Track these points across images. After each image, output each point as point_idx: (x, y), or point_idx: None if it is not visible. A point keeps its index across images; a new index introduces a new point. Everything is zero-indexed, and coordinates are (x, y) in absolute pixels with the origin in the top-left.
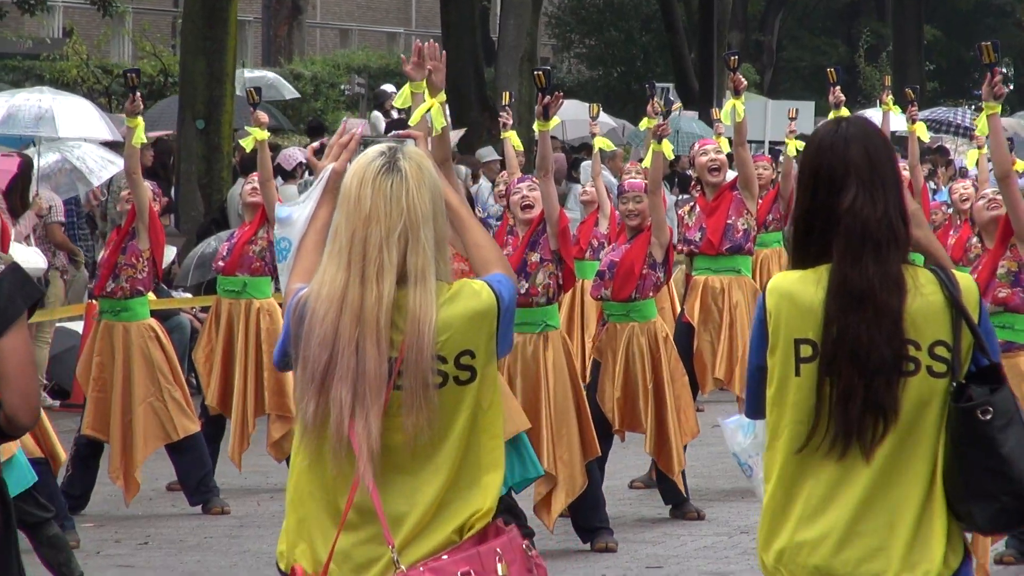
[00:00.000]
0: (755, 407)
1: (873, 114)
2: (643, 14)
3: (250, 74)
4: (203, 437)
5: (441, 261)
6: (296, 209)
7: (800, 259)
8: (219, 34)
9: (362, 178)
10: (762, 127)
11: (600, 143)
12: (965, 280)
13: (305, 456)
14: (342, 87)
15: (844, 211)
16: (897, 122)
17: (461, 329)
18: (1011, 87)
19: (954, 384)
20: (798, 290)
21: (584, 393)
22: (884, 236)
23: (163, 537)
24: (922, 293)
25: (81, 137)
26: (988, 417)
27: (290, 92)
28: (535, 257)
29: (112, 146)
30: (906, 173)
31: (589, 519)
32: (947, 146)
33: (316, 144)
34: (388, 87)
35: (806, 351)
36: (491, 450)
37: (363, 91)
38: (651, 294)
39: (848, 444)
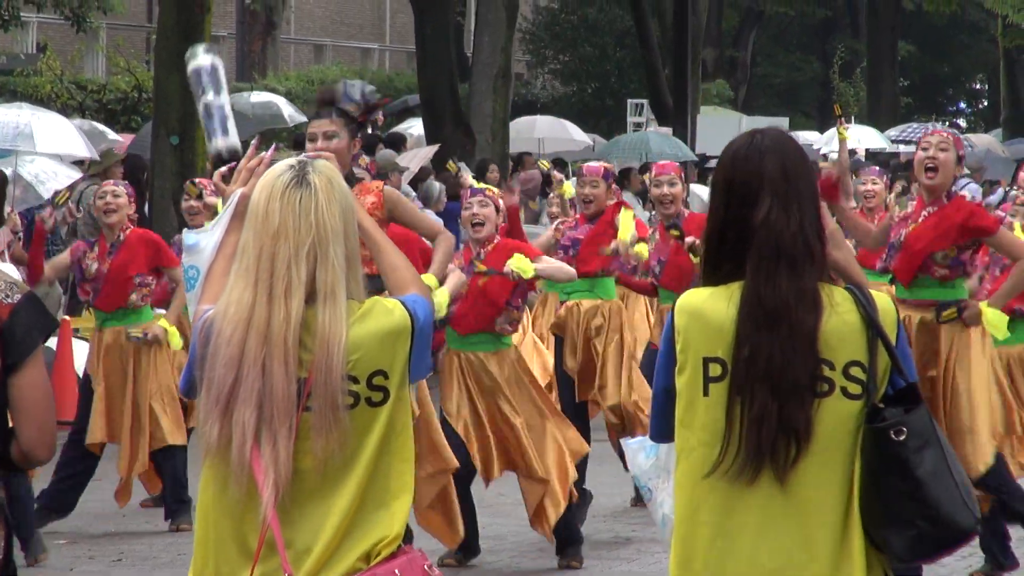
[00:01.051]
0: (660, 430)
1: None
2: (617, 30)
3: (256, 98)
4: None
5: (352, 279)
6: (204, 236)
7: (711, 275)
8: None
9: (270, 192)
10: None
11: (566, 190)
12: (882, 300)
13: (211, 482)
14: None
15: (758, 225)
16: (872, 139)
17: (373, 348)
18: (984, 104)
19: (870, 406)
20: (708, 307)
21: (549, 397)
22: (799, 251)
23: (136, 554)
24: (838, 312)
25: (58, 154)
26: (902, 438)
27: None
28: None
29: (79, 163)
30: (875, 187)
31: (560, 533)
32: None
33: (224, 169)
34: None
35: (715, 370)
36: (401, 474)
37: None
38: (616, 273)
39: (760, 468)
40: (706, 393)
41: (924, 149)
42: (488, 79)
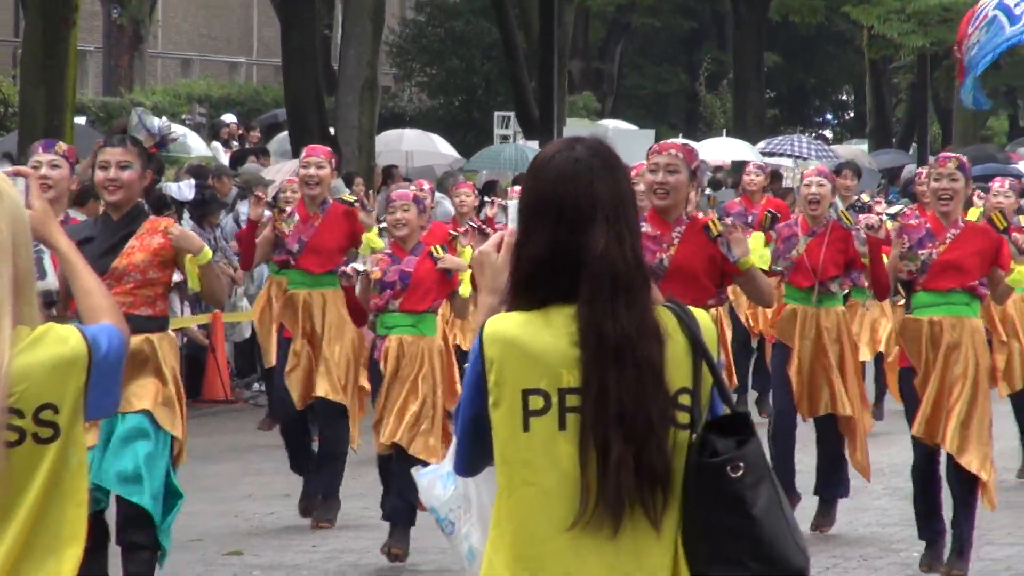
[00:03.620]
0: (464, 464)
1: (717, 143)
2: (484, 43)
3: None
4: None
5: (24, 302)
6: None
7: (524, 300)
8: (59, 64)
9: None
10: None
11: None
12: (702, 316)
13: None
14: (183, 116)
15: (593, 253)
16: (740, 151)
17: (41, 380)
18: (851, 115)
19: (697, 436)
20: (524, 336)
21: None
22: (636, 281)
23: None
24: (672, 337)
25: None
26: (739, 474)
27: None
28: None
29: None
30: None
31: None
32: (783, 172)
33: None
34: (228, 117)
35: (536, 403)
36: (74, 520)
37: (204, 120)
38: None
39: (619, 517)
40: (526, 428)
41: (820, 185)
42: (355, 91)
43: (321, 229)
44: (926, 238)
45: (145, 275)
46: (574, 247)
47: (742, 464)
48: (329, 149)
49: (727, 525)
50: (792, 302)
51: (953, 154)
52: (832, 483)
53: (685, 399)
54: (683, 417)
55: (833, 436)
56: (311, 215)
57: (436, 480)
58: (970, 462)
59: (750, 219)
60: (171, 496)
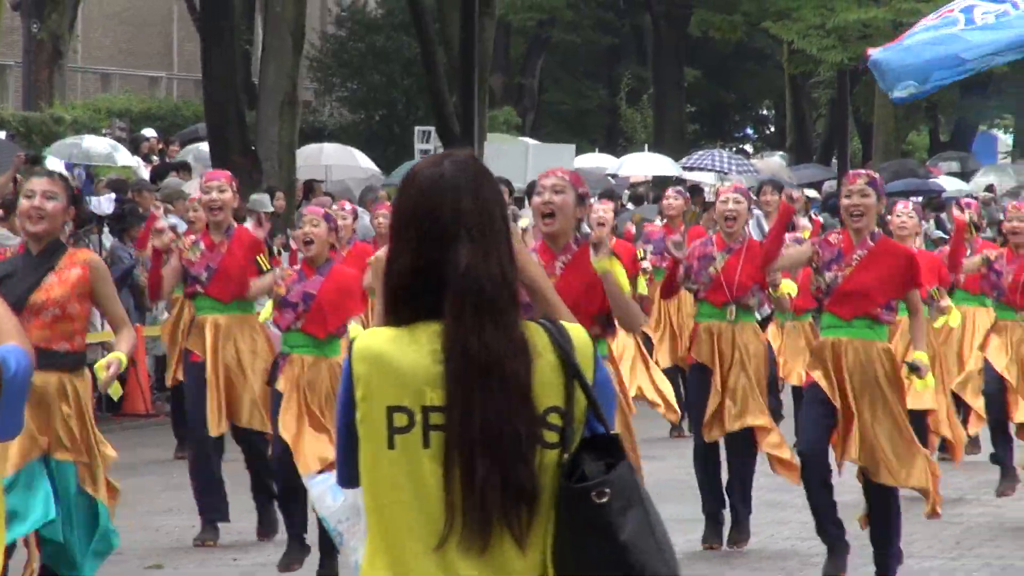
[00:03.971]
0: (345, 475)
1: (638, 158)
2: (405, 58)
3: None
4: None
5: None
6: None
7: (394, 316)
8: None
9: None
10: (523, 170)
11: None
12: (578, 333)
13: None
14: (103, 131)
15: (458, 270)
16: (662, 166)
17: None
18: (771, 130)
19: (566, 456)
20: (391, 352)
21: None
22: (503, 298)
23: None
24: (541, 355)
25: None
26: (605, 500)
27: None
28: None
29: None
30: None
31: None
32: (704, 187)
33: None
34: (148, 131)
35: (400, 420)
36: None
37: (124, 135)
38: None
39: (486, 537)
40: (391, 445)
41: (736, 202)
42: (275, 106)
43: (228, 255)
44: (834, 260)
45: (64, 309)
46: (439, 264)
47: (608, 490)
48: (229, 173)
49: (595, 550)
50: (706, 320)
51: (864, 170)
52: (744, 499)
53: (555, 418)
54: (551, 436)
55: (744, 452)
56: (216, 242)
57: (327, 490)
58: (905, 479)
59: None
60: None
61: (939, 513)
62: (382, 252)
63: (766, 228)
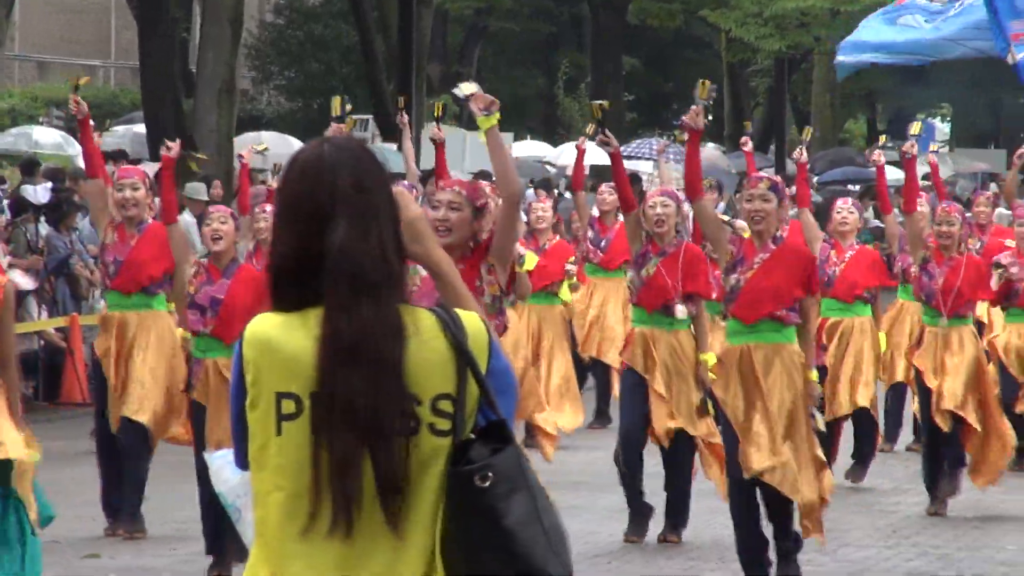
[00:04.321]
0: (239, 457)
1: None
2: (343, 46)
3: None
4: None
5: None
6: None
7: (281, 301)
8: None
9: None
10: (461, 159)
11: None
12: (472, 321)
13: None
14: (40, 119)
15: (333, 250)
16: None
17: None
18: (710, 118)
19: (455, 444)
20: (279, 337)
21: None
22: (381, 277)
23: None
24: (424, 339)
25: None
26: (487, 484)
27: None
28: None
29: None
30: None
31: None
32: (642, 176)
33: None
34: None
35: (288, 407)
36: None
37: (61, 124)
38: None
39: (350, 520)
40: (279, 432)
41: (664, 206)
42: (212, 94)
43: (136, 248)
44: (738, 263)
45: None
46: (318, 245)
47: (491, 473)
48: (143, 170)
49: (480, 535)
50: (640, 325)
51: (766, 175)
52: (681, 495)
53: (446, 405)
54: (443, 424)
55: (681, 452)
56: (128, 234)
57: (226, 464)
58: (794, 492)
59: (603, 244)
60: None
61: (824, 542)
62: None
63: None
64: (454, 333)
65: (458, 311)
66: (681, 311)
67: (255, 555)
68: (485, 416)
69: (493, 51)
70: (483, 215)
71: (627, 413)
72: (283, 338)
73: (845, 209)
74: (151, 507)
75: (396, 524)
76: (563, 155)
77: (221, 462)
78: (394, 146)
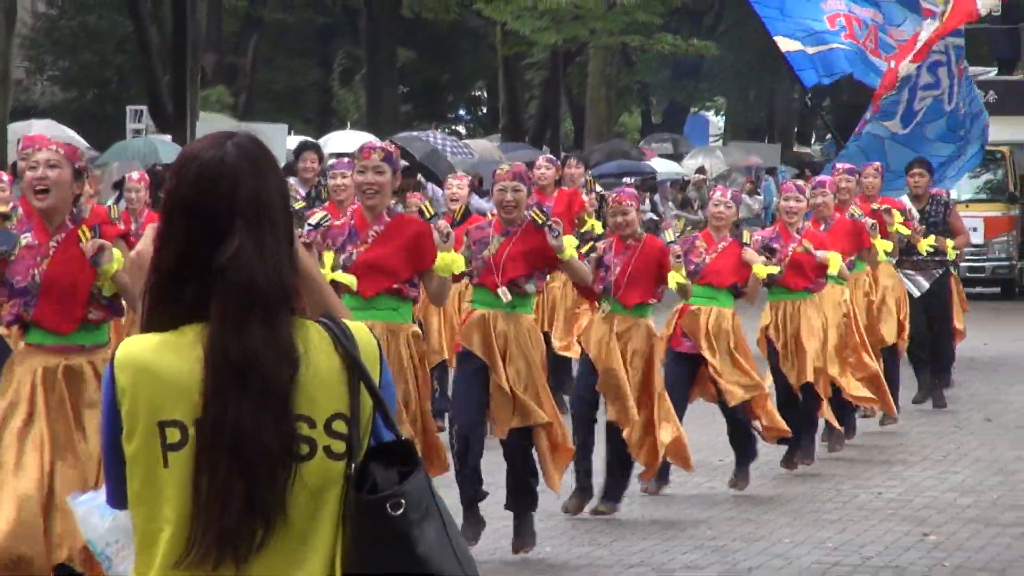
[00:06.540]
0: (114, 495)
1: (344, 136)
2: (118, 36)
3: None
4: None
5: None
6: None
7: (157, 318)
8: None
9: None
10: None
11: None
12: (362, 333)
13: None
14: None
15: (227, 264)
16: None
17: None
18: (484, 111)
19: (356, 466)
20: (157, 361)
21: None
22: (274, 294)
23: None
24: (314, 357)
25: None
26: (400, 512)
27: None
28: None
29: None
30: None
31: None
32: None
33: None
34: None
35: (173, 436)
36: None
37: None
38: None
39: (223, 554)
40: (166, 464)
41: (515, 191)
42: None
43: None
44: (348, 239)
45: None
46: (207, 256)
47: (403, 501)
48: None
49: (392, 563)
50: (481, 307)
51: (380, 144)
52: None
53: (340, 426)
54: (338, 446)
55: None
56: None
57: (93, 509)
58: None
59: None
60: None
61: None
62: (141, 246)
63: None
64: (345, 346)
65: (347, 322)
66: (530, 287)
67: None
68: (376, 435)
69: (268, 42)
70: (83, 177)
71: (463, 408)
72: (161, 361)
73: (723, 203)
74: None
75: (289, 554)
76: (329, 143)
77: (88, 507)
78: (168, 137)
